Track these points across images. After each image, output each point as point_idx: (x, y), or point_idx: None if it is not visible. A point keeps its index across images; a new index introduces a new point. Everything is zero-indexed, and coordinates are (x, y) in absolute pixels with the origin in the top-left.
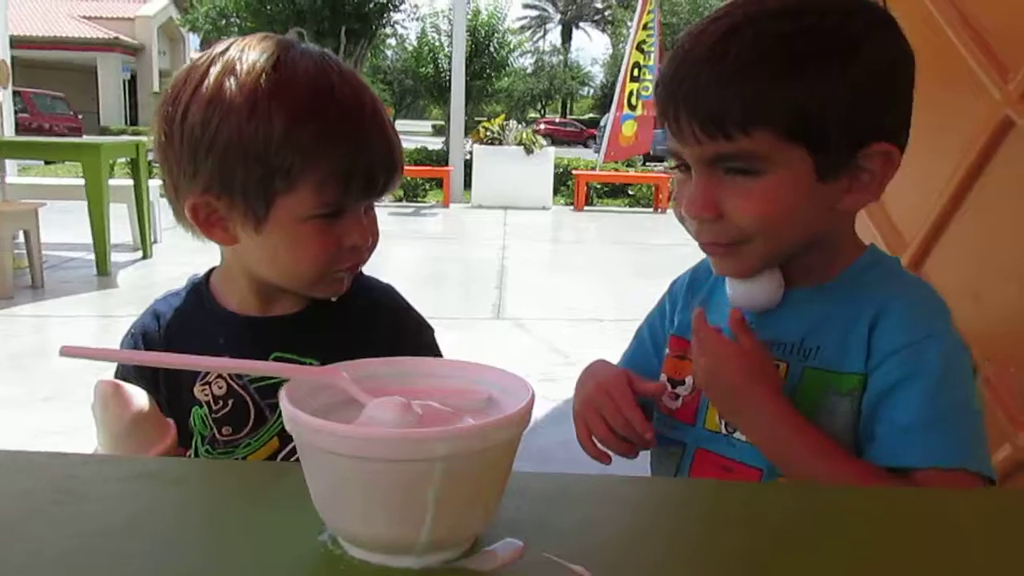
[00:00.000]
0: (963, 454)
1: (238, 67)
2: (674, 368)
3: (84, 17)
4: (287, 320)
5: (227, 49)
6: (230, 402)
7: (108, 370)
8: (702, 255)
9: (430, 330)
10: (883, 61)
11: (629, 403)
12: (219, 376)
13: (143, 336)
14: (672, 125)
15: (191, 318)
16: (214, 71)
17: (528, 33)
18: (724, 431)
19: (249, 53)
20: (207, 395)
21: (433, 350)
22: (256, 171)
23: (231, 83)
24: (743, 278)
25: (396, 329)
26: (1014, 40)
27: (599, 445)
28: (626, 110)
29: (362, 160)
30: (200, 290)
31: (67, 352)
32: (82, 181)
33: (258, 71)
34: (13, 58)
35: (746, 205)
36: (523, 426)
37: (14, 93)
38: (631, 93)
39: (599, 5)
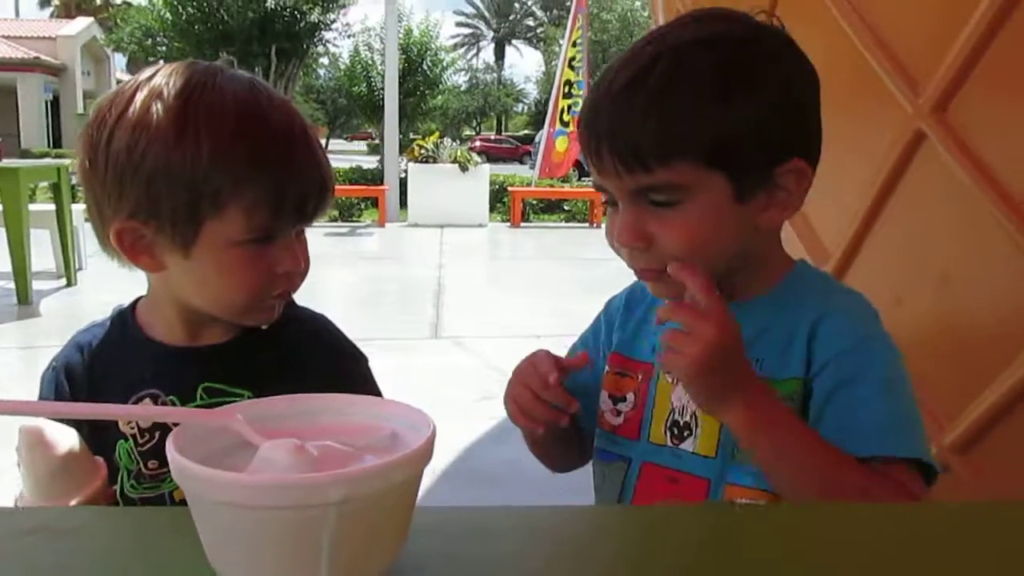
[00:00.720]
0: (918, 446)
1: (165, 92)
2: (615, 385)
3: (2, 36)
4: (217, 350)
5: (154, 75)
6: (156, 434)
7: None
8: None
9: (365, 360)
10: (789, 82)
11: (548, 364)
12: (139, 403)
13: (65, 369)
14: (594, 159)
15: (117, 349)
16: (140, 96)
17: (462, 51)
18: (670, 443)
19: (176, 79)
20: (133, 428)
21: (368, 380)
22: (184, 195)
23: (158, 107)
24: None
25: (332, 359)
26: (922, 54)
27: (528, 415)
28: (559, 126)
29: (292, 184)
30: (126, 320)
31: None
32: None
33: (185, 95)
34: None
35: (671, 234)
36: (423, 463)
37: None
38: (563, 109)
39: (531, 23)
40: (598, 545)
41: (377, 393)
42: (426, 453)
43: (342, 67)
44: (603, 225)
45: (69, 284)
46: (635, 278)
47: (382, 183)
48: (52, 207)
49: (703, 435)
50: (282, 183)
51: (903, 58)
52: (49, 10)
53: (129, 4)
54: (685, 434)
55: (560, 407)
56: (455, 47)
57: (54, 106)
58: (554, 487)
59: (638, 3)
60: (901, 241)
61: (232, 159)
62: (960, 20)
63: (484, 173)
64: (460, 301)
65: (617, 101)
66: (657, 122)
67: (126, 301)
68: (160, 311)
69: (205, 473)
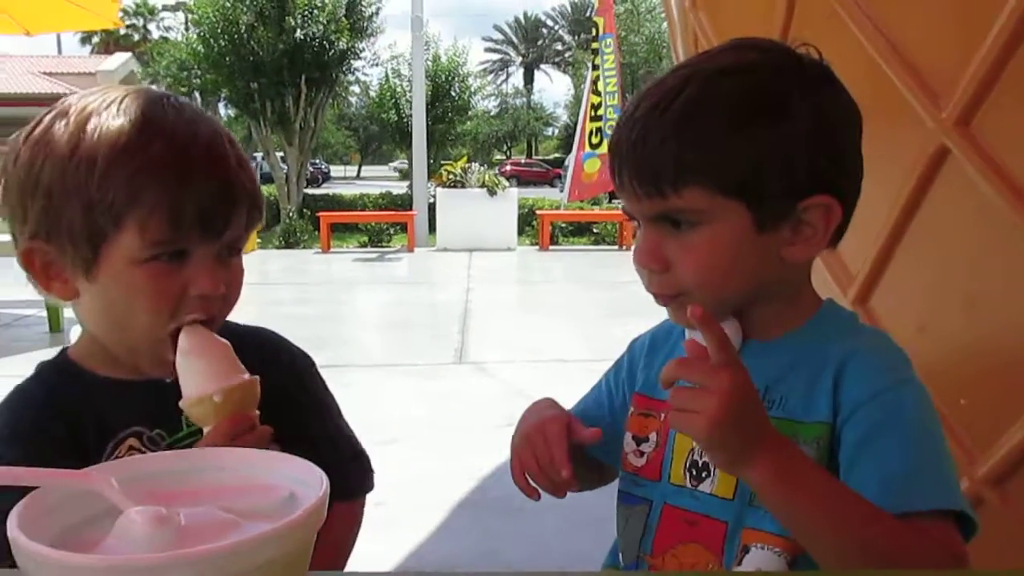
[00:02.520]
0: (954, 497)
1: (71, 110)
2: (639, 426)
3: (46, 73)
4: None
5: (69, 96)
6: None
7: None
8: None
9: (309, 359)
10: (822, 115)
11: (559, 445)
12: (131, 448)
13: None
14: (618, 182)
15: (77, 398)
16: (48, 116)
17: (491, 76)
18: (688, 484)
19: (87, 99)
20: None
21: (317, 379)
22: (79, 210)
23: (60, 125)
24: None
25: (289, 364)
26: (944, 65)
27: (530, 481)
28: (587, 148)
29: (190, 195)
30: (66, 369)
31: None
32: None
33: (88, 112)
34: None
35: (687, 258)
36: (308, 532)
37: None
38: (591, 132)
39: (559, 47)
40: None
41: (330, 394)
42: (302, 525)
43: (372, 95)
44: (633, 247)
45: None
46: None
47: (411, 208)
48: None
49: (721, 476)
50: (175, 192)
51: (923, 69)
52: (89, 47)
53: (165, 39)
54: (704, 475)
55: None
56: (484, 72)
57: None
58: (574, 518)
59: (665, 25)
60: (926, 263)
61: (124, 170)
62: (982, 27)
63: (512, 197)
64: (487, 325)
65: (639, 125)
66: (674, 147)
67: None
68: (100, 345)
69: (29, 548)
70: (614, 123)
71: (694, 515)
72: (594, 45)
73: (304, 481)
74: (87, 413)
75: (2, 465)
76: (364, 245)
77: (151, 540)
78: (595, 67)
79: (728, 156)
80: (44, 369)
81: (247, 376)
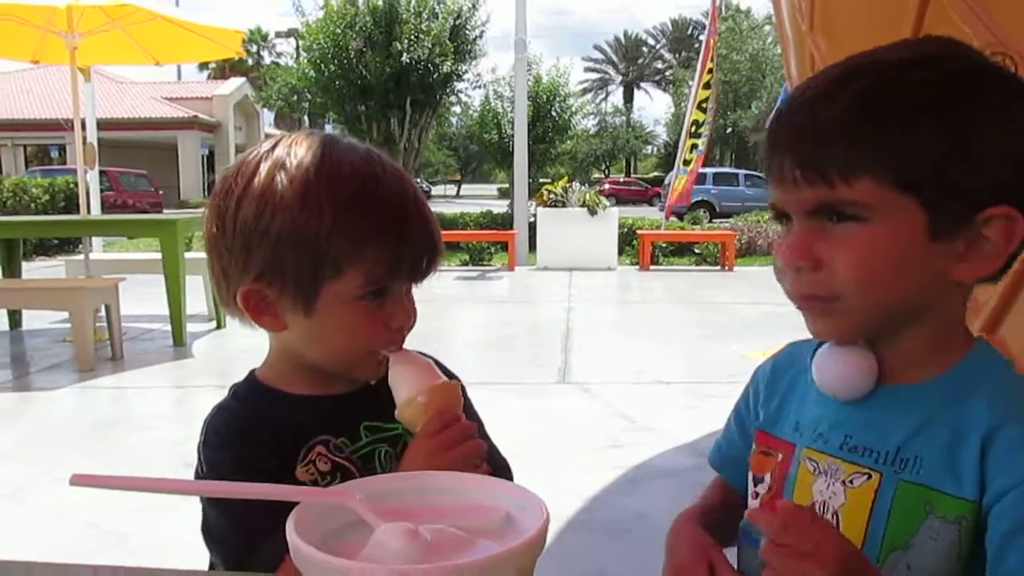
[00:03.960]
0: None
1: (288, 162)
2: (758, 464)
3: (165, 98)
4: (363, 392)
5: (275, 146)
6: (337, 475)
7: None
8: (770, 316)
9: (459, 381)
10: (1011, 118)
11: None
12: (320, 453)
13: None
14: (774, 170)
15: (268, 414)
16: (264, 167)
17: (590, 95)
18: None
19: (296, 149)
20: (312, 474)
21: (466, 398)
22: (307, 259)
23: (282, 177)
24: (840, 343)
25: None
26: None
27: None
28: (681, 165)
29: (407, 247)
30: (257, 388)
31: (77, 481)
32: (160, 255)
33: (307, 165)
34: (100, 139)
35: (846, 254)
36: (535, 550)
37: (100, 172)
38: (687, 148)
39: (659, 66)
40: None
41: (477, 416)
42: (533, 545)
43: (473, 115)
44: (735, 268)
45: (219, 327)
46: (777, 347)
47: (512, 227)
48: (205, 255)
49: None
50: (398, 246)
51: None
52: (206, 72)
53: (277, 64)
54: None
55: None
56: (583, 92)
57: (209, 160)
58: None
59: (769, 40)
60: None
61: (352, 224)
62: None
63: (612, 216)
64: (588, 345)
65: (807, 110)
66: (848, 133)
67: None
68: (291, 367)
69: (320, 559)
70: (706, 139)
71: None
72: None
73: (519, 504)
74: (282, 422)
75: (216, 466)
76: (465, 263)
77: (405, 553)
78: (706, 86)
79: (909, 147)
80: (240, 389)
81: (447, 379)
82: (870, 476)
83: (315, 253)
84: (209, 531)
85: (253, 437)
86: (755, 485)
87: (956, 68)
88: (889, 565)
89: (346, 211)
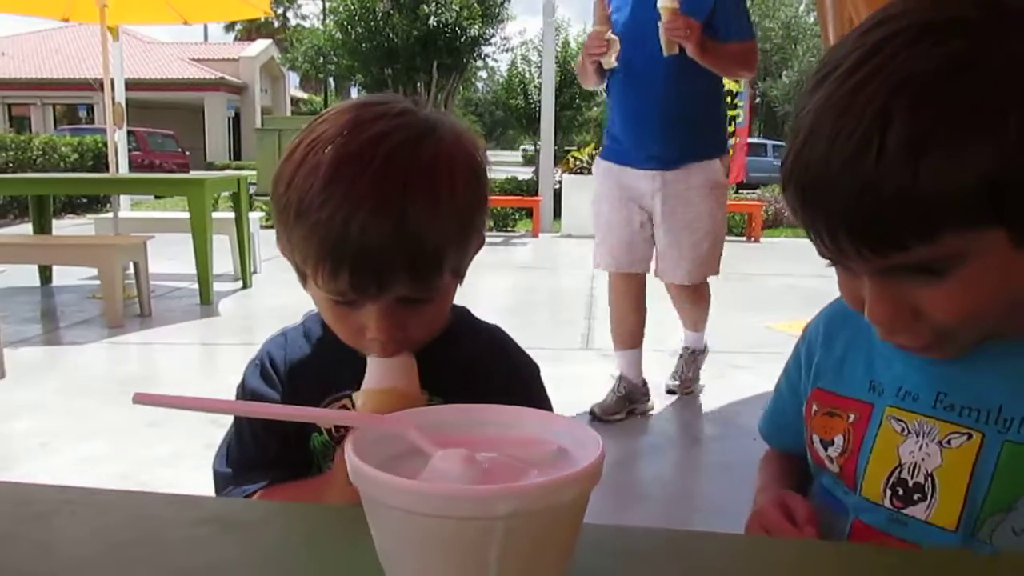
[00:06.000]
0: None
1: (302, 140)
2: (823, 427)
3: (192, 59)
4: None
5: (321, 119)
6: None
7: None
8: (795, 288)
9: (538, 369)
10: None
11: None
12: (337, 402)
13: (271, 364)
14: (824, 241)
15: (315, 353)
16: (297, 139)
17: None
18: (888, 504)
19: (320, 127)
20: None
21: (542, 389)
22: (289, 248)
23: (294, 156)
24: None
25: (511, 368)
26: None
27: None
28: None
29: (347, 276)
30: (320, 325)
31: (140, 399)
32: (187, 215)
33: (299, 157)
34: (128, 100)
35: (942, 306)
36: (592, 483)
37: (128, 132)
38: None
39: None
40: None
41: (548, 401)
42: (596, 472)
43: (500, 80)
44: (762, 240)
45: (245, 287)
46: (803, 320)
47: (537, 194)
48: (232, 215)
49: (942, 502)
50: (335, 275)
51: None
52: (233, 34)
53: (302, 26)
54: (916, 497)
55: None
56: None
57: (235, 122)
58: (703, 506)
59: (802, 8)
60: None
61: (301, 241)
62: None
63: None
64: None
65: (848, 167)
66: (912, 193)
67: (294, 304)
68: None
69: (380, 477)
70: (741, 112)
71: (896, 540)
72: None
73: (574, 439)
74: (315, 365)
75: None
76: (489, 229)
77: (464, 479)
78: None
79: (977, 179)
80: (307, 319)
81: (398, 387)
82: (970, 436)
83: (291, 248)
84: (219, 457)
85: (302, 371)
86: (825, 449)
87: (1013, 39)
88: (989, 527)
89: (296, 221)
